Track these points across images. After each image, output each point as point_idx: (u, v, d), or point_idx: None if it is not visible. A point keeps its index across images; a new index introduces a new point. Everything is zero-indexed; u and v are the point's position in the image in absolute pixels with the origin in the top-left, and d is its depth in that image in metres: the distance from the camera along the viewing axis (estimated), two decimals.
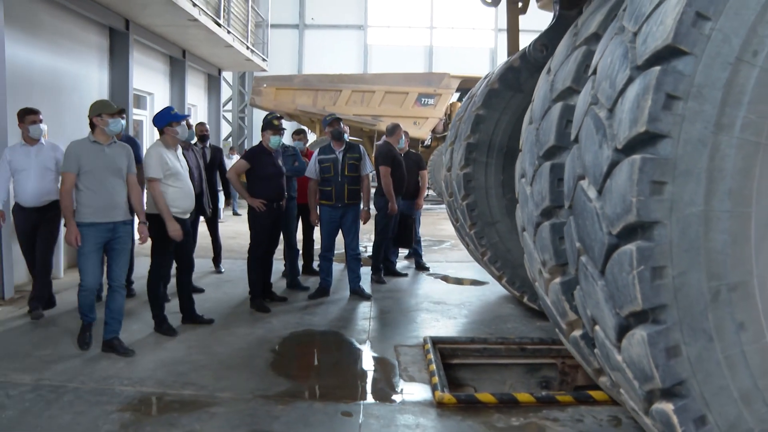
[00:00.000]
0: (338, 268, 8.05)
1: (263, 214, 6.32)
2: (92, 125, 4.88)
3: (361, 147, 7.06)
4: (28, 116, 5.71)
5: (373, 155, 8.37)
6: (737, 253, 2.24)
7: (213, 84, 15.29)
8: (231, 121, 22.09)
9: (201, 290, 6.94)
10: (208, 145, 7.63)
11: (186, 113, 10.45)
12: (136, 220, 5.22)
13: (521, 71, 5.82)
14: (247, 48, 13.84)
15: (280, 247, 7.03)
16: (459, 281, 8.05)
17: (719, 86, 2.19)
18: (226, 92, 20.13)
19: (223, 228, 12.46)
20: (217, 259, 8.21)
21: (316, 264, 7.78)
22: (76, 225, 4.76)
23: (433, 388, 4.29)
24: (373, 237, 7.94)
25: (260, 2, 19.00)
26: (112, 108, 4.92)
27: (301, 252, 7.80)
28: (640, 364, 2.36)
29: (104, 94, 9.31)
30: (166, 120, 5.48)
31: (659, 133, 2.23)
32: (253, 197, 6.31)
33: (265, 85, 17.23)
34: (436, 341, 5.20)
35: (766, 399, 2.29)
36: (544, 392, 4.37)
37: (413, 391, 4.36)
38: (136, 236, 5.21)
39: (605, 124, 2.48)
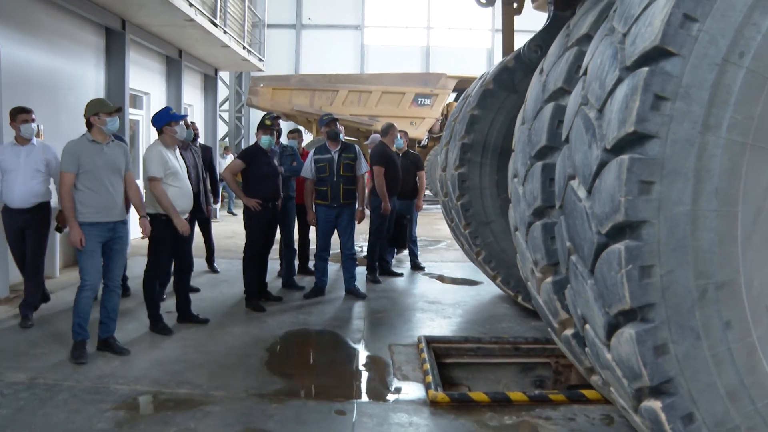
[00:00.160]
0: (334, 268, 8.06)
1: (258, 214, 6.33)
2: (89, 124, 4.85)
3: (357, 147, 7.09)
4: (20, 115, 5.58)
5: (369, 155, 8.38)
6: (724, 252, 2.27)
7: (209, 84, 15.28)
8: (228, 121, 22.07)
9: (197, 290, 6.95)
10: (197, 144, 7.62)
11: (184, 113, 10.47)
12: (135, 217, 5.23)
13: (516, 72, 5.84)
14: (244, 48, 13.84)
15: (275, 246, 7.04)
16: (454, 281, 8.08)
17: (706, 87, 2.22)
18: (222, 92, 20.10)
19: (219, 227, 12.50)
20: (210, 259, 8.22)
21: (311, 264, 7.80)
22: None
23: (427, 387, 4.31)
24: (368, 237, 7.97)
25: (257, 2, 19.02)
26: (109, 107, 4.89)
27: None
28: (628, 362, 2.38)
29: (100, 94, 9.31)
30: (165, 120, 5.49)
31: (647, 134, 2.26)
32: (248, 197, 6.33)
33: (261, 85, 17.22)
34: (430, 340, 5.22)
35: (752, 396, 2.32)
36: (537, 391, 4.39)
37: (407, 390, 4.38)
38: (134, 233, 5.21)
39: (595, 125, 2.51)
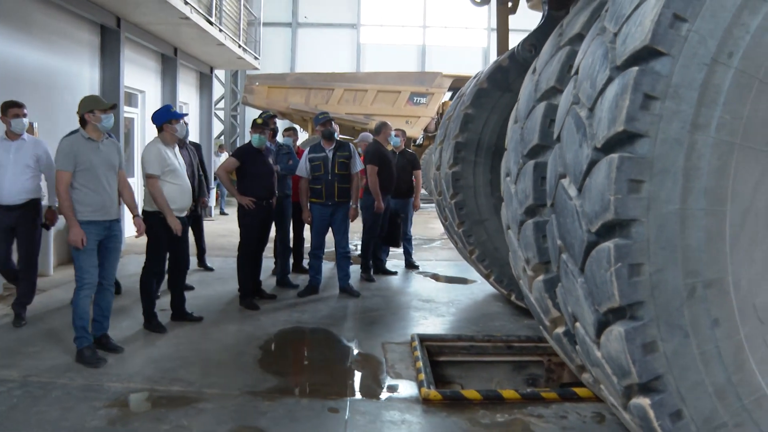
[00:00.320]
0: (328, 266, 8.07)
1: (253, 212, 6.34)
2: (82, 122, 4.79)
3: (351, 145, 7.10)
4: (11, 109, 5.43)
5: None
6: (712, 251, 2.29)
7: (205, 82, 15.26)
8: (223, 119, 22.07)
9: (191, 288, 6.94)
10: (187, 141, 7.60)
11: (184, 112, 10.45)
12: (129, 215, 5.22)
13: (510, 71, 5.86)
14: (240, 46, 13.82)
15: (270, 245, 7.05)
16: (448, 279, 8.09)
17: (695, 87, 2.24)
18: (218, 90, 20.09)
19: (214, 226, 12.52)
20: (201, 257, 8.21)
21: (306, 262, 7.81)
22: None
23: (420, 385, 4.32)
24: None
25: (253, 0, 18.99)
26: (103, 104, 4.84)
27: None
28: (618, 359, 2.40)
29: (95, 92, 9.28)
30: (165, 117, 5.49)
31: (637, 133, 2.28)
32: (242, 195, 6.34)
33: (257, 84, 17.21)
34: (423, 339, 5.23)
35: (739, 393, 2.34)
36: (529, 389, 4.41)
37: (400, 388, 4.39)
38: (128, 232, 5.20)
39: (585, 124, 2.52)
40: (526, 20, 7.24)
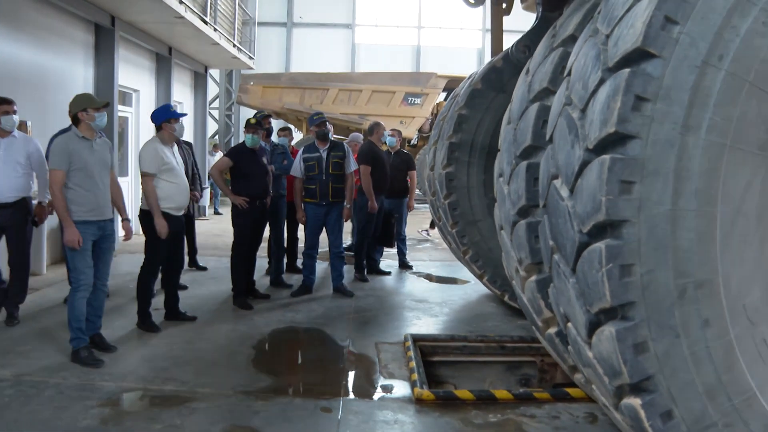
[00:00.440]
0: (322, 266, 8.07)
1: (246, 212, 6.34)
2: (75, 120, 4.74)
3: (346, 145, 7.11)
4: (1, 106, 5.31)
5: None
6: (703, 252, 2.30)
7: (199, 81, 15.24)
8: (218, 118, 22.03)
9: (185, 287, 6.94)
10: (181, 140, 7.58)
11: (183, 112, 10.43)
12: (118, 219, 5.21)
13: (504, 72, 5.87)
14: (234, 46, 13.81)
15: (264, 244, 7.04)
16: (441, 280, 8.11)
17: (686, 88, 2.25)
18: (212, 90, 20.07)
19: (208, 225, 12.50)
20: (193, 256, 8.19)
21: (299, 262, 7.81)
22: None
23: (413, 385, 4.33)
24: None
25: (248, 0, 18.97)
26: (97, 102, 4.79)
27: None
28: (609, 359, 2.41)
29: (89, 90, 9.24)
30: (164, 116, 5.49)
31: (628, 134, 2.29)
32: (236, 195, 6.33)
33: (252, 83, 17.17)
34: (416, 339, 5.24)
35: (729, 393, 2.36)
36: (522, 389, 4.42)
37: (393, 388, 4.40)
38: (119, 234, 5.18)
39: (578, 125, 2.54)
40: (520, 21, 7.24)
